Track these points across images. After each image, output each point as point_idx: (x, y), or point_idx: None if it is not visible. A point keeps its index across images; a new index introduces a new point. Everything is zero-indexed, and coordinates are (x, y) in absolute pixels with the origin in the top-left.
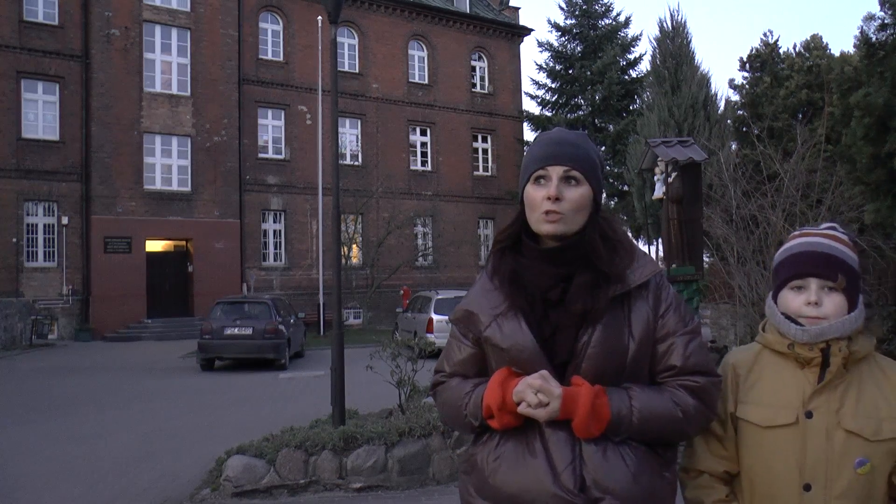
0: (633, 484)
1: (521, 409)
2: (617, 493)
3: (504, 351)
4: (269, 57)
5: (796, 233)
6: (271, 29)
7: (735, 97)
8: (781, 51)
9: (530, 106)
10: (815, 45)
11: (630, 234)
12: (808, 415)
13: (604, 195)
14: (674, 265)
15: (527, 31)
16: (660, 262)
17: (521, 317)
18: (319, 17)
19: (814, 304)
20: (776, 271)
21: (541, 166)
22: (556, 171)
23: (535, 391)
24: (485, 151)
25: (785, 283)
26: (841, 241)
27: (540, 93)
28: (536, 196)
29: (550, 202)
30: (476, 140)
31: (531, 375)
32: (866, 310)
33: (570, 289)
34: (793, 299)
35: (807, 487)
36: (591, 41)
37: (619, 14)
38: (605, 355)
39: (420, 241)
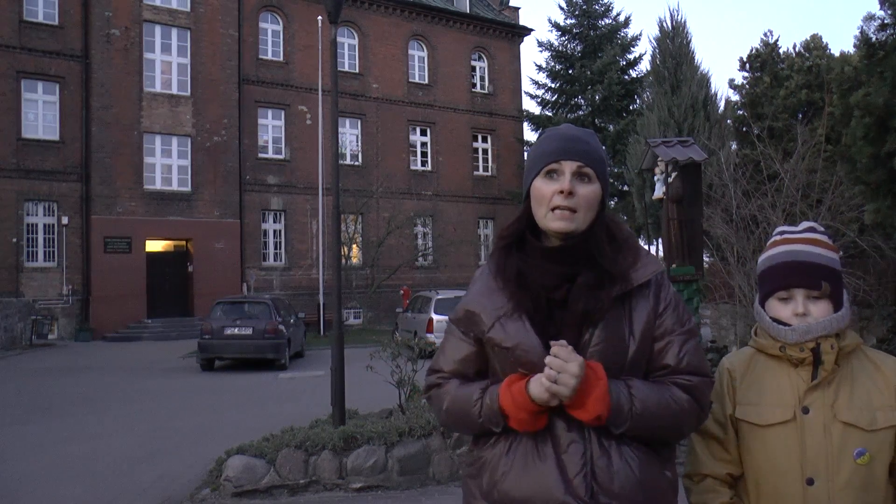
0: (639, 486)
1: (546, 378)
2: (623, 497)
3: (508, 351)
4: (269, 57)
5: (777, 237)
6: (271, 29)
7: (735, 97)
8: (781, 51)
9: (530, 106)
10: (815, 45)
11: None
12: (805, 410)
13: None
14: (674, 265)
15: (527, 31)
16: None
17: (525, 318)
18: (319, 17)
19: (801, 315)
20: (761, 280)
21: (554, 160)
22: (569, 166)
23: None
24: (485, 151)
25: (771, 293)
26: (821, 243)
27: (540, 93)
28: (547, 190)
29: (562, 196)
30: (476, 140)
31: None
32: (866, 310)
33: (573, 289)
34: (781, 309)
35: (810, 482)
36: (591, 41)
37: (619, 14)
38: (606, 353)
39: (420, 241)
